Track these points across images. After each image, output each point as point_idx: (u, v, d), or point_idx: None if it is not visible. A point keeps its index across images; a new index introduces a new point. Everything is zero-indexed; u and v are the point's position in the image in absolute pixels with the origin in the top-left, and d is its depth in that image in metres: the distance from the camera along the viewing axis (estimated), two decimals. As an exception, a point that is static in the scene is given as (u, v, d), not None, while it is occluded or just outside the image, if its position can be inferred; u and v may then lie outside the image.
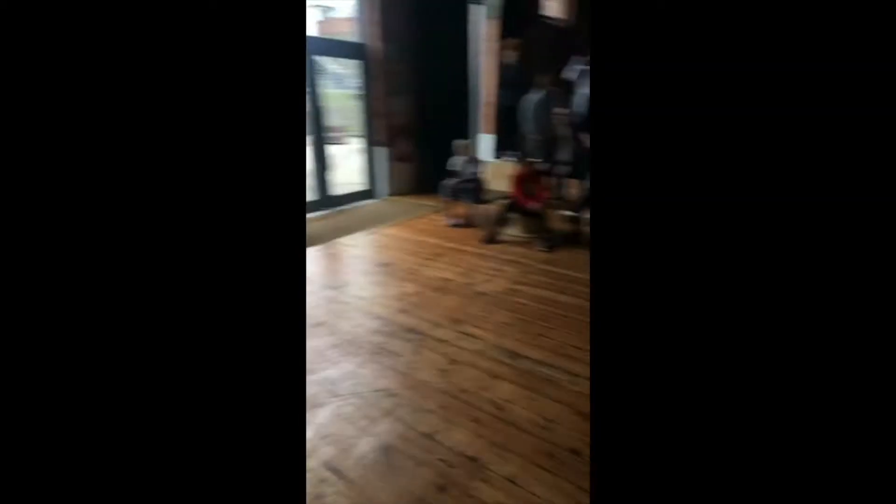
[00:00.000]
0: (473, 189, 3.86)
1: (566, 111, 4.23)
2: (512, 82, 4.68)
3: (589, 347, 1.98)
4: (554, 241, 3.38)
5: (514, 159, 4.01)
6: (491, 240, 3.49)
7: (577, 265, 3.01)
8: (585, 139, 3.82)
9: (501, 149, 5.48)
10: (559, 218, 3.88)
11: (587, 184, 3.59)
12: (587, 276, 2.80)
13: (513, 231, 3.68)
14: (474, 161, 4.00)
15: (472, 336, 2.11)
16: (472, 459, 1.37)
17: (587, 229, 3.59)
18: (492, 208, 3.85)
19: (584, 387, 1.72)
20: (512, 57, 4.60)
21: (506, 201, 3.56)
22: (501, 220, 3.53)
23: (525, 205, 3.46)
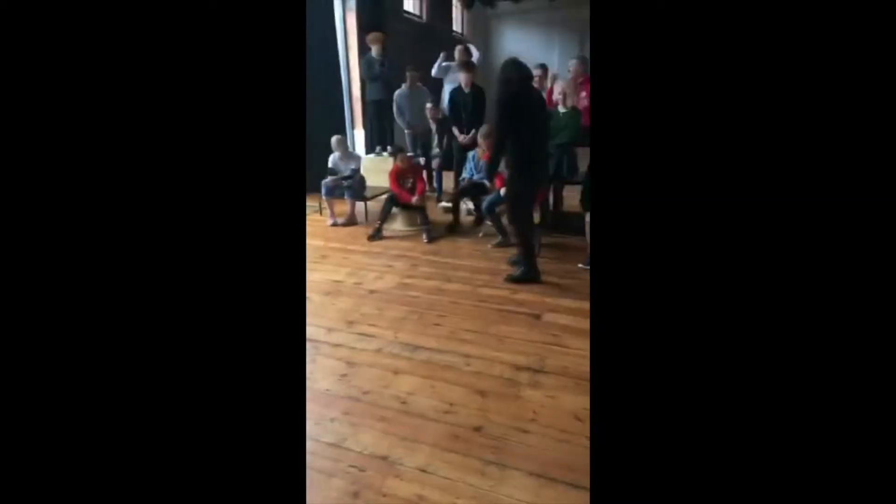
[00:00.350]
0: (354, 186, 3.79)
1: (436, 106, 4.38)
2: (378, 77, 4.66)
3: (479, 329, 2.14)
4: (436, 232, 3.52)
5: (391, 154, 4.03)
6: (376, 236, 3.48)
7: (459, 254, 3.18)
8: (456, 132, 4.01)
9: (373, 143, 5.45)
10: (439, 209, 4.04)
11: (462, 175, 3.79)
12: (470, 263, 2.99)
13: (396, 226, 3.72)
14: (352, 157, 3.91)
15: (369, 336, 2.11)
16: (383, 458, 1.39)
17: (467, 218, 3.81)
18: (374, 205, 3.83)
19: (480, 367, 1.85)
20: (377, 51, 4.58)
21: (387, 197, 3.58)
22: (385, 216, 3.54)
23: (406, 199, 3.52)
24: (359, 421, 1.55)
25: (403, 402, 1.65)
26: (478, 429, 1.51)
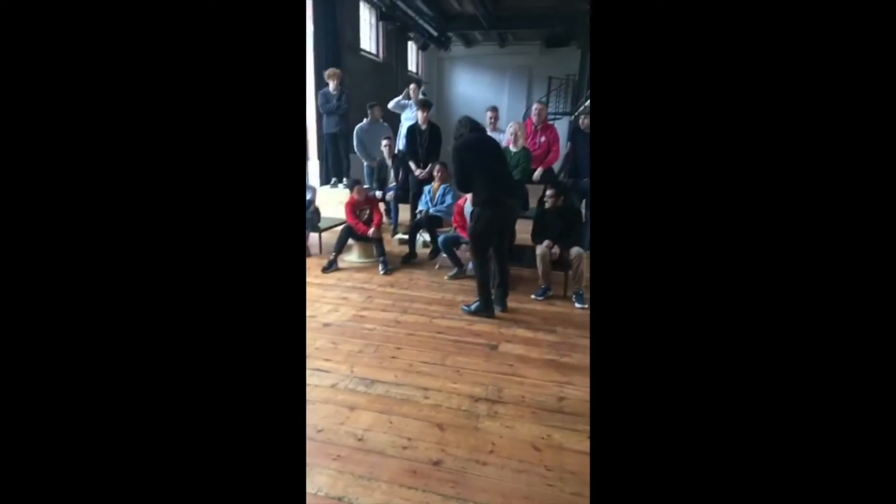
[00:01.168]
0: (309, 217, 3.73)
1: (391, 141, 4.49)
2: (335, 111, 4.72)
3: (436, 361, 2.14)
4: (392, 264, 3.52)
5: (346, 186, 4.04)
6: (330, 268, 3.43)
7: (415, 285, 3.19)
8: (413, 167, 4.11)
9: (328, 175, 5.43)
10: (395, 241, 4.05)
11: (418, 207, 3.85)
12: (425, 295, 3.00)
13: (352, 258, 3.69)
14: (307, 188, 3.87)
15: (323, 370, 2.04)
16: (338, 499, 1.33)
17: (422, 251, 3.85)
18: (328, 236, 3.79)
19: (438, 400, 1.84)
20: (334, 86, 4.65)
21: (343, 228, 3.55)
22: (340, 248, 3.51)
23: (362, 231, 3.51)
24: (313, 461, 1.48)
25: (360, 439, 1.60)
26: (437, 463, 1.49)
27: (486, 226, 2.60)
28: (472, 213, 2.66)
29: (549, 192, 3.03)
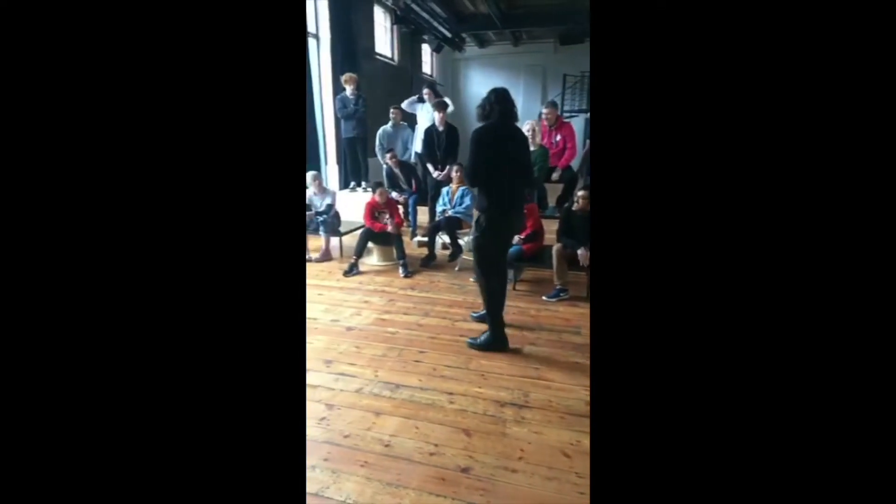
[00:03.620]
0: (329, 221, 3.76)
1: (392, 152, 4.49)
2: (352, 115, 4.75)
3: (460, 365, 2.11)
4: (412, 267, 3.51)
5: (366, 189, 4.06)
6: (351, 271, 3.44)
7: (436, 288, 3.18)
8: (430, 168, 4.10)
9: (347, 179, 5.47)
10: (414, 244, 4.05)
11: (437, 209, 3.84)
12: (446, 297, 2.98)
13: (372, 261, 3.70)
14: (327, 192, 3.91)
15: (348, 375, 2.04)
16: (368, 506, 1.32)
17: (442, 252, 3.83)
18: (349, 240, 3.81)
19: (463, 404, 1.82)
20: (351, 90, 4.68)
21: (362, 231, 3.57)
22: (360, 251, 3.52)
23: (378, 228, 3.52)
24: (340, 467, 1.48)
25: (387, 445, 1.59)
26: (465, 470, 1.47)
27: (496, 237, 2.16)
28: (476, 220, 2.18)
29: (581, 193, 2.88)
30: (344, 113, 4.77)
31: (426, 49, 9.38)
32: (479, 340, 2.27)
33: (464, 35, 9.30)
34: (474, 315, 2.53)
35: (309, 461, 1.50)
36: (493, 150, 2.06)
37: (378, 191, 3.57)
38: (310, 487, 1.39)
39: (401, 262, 3.46)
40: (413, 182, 4.39)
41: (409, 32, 8.12)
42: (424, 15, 7.40)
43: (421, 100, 4.82)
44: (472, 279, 3.27)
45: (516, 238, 2.79)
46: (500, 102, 2.08)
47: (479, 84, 11.03)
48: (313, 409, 1.79)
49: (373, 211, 3.56)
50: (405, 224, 4.12)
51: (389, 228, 3.47)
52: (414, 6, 6.99)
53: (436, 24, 7.89)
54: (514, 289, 3.01)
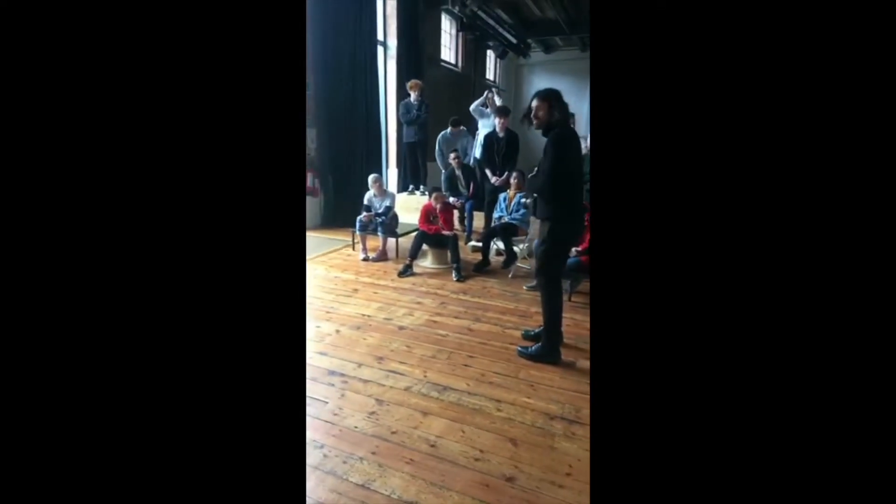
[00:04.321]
0: (387, 223, 3.88)
1: (459, 153, 4.52)
2: (415, 120, 4.88)
3: (510, 374, 2.09)
4: (465, 271, 3.53)
5: (425, 193, 4.14)
6: (406, 272, 3.52)
7: (488, 294, 3.16)
8: (489, 174, 4.10)
9: (406, 183, 5.61)
10: (469, 248, 4.07)
11: (493, 215, 3.83)
12: (498, 304, 2.96)
13: (426, 263, 3.76)
14: (386, 195, 4.03)
15: (398, 373, 2.09)
16: (411, 504, 1.34)
17: (495, 259, 3.81)
18: (405, 241, 3.90)
19: (510, 412, 1.80)
20: (415, 96, 4.81)
21: (416, 234, 3.64)
22: (415, 252, 3.59)
23: (432, 230, 3.57)
24: (387, 462, 1.51)
25: (432, 445, 1.60)
26: (510, 479, 1.44)
27: (564, 247, 2.18)
28: (548, 228, 2.09)
29: None
30: (407, 118, 4.91)
31: (490, 55, 9.41)
32: (530, 350, 2.23)
33: (530, 41, 9.23)
34: (527, 333, 2.44)
35: (357, 453, 1.55)
36: (570, 156, 2.02)
37: (435, 195, 3.62)
38: (356, 479, 1.44)
39: (454, 265, 3.49)
40: (472, 186, 4.41)
41: (475, 39, 8.19)
42: (490, 21, 7.43)
43: (484, 104, 4.84)
44: (525, 287, 3.22)
45: (573, 249, 2.71)
46: (562, 105, 2.01)
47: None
48: (364, 403, 1.85)
49: (428, 215, 3.62)
50: (460, 229, 4.14)
51: (440, 229, 3.52)
52: (480, 13, 7.05)
53: (502, 30, 7.91)
54: (569, 300, 2.92)
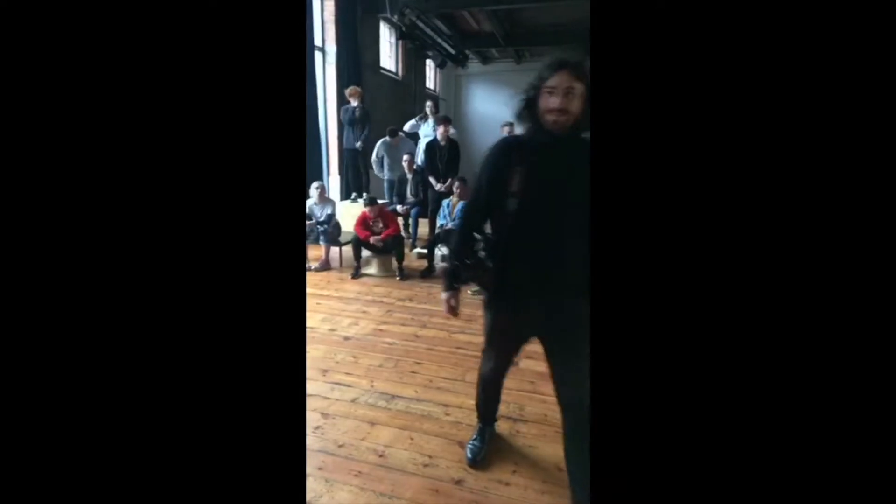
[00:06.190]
0: (329, 231, 3.79)
1: (412, 156, 4.55)
2: (357, 120, 4.82)
3: (457, 377, 2.12)
4: (408, 276, 3.54)
5: (366, 200, 4.10)
6: (357, 275, 3.48)
7: (434, 300, 3.19)
8: (432, 181, 4.15)
9: (348, 190, 5.52)
10: (414, 255, 4.08)
11: (437, 222, 3.88)
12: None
13: (372, 271, 3.72)
14: (328, 202, 3.94)
15: (344, 385, 2.04)
16: (360, 517, 1.32)
17: (439, 265, 3.85)
18: (348, 250, 3.83)
19: (459, 417, 1.82)
20: (354, 103, 4.76)
21: (352, 239, 3.61)
22: (358, 256, 3.55)
23: (365, 237, 3.56)
24: (333, 476, 1.48)
25: (381, 455, 1.59)
26: (458, 482, 1.47)
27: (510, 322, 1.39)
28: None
29: None
30: (348, 118, 4.84)
31: (430, 64, 9.53)
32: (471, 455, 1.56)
33: (467, 52, 9.46)
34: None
35: (303, 470, 1.50)
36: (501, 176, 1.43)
37: (370, 208, 3.61)
38: (303, 496, 1.39)
39: (398, 268, 3.50)
40: (424, 191, 4.44)
41: (414, 48, 8.26)
42: (429, 31, 7.54)
43: (423, 118, 4.91)
44: (469, 292, 3.29)
45: None
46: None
47: (481, 100, 11.19)
48: (308, 418, 1.79)
49: (363, 222, 3.60)
50: (406, 235, 4.15)
51: (372, 240, 3.53)
52: (419, 23, 7.13)
53: (440, 40, 8.04)
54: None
